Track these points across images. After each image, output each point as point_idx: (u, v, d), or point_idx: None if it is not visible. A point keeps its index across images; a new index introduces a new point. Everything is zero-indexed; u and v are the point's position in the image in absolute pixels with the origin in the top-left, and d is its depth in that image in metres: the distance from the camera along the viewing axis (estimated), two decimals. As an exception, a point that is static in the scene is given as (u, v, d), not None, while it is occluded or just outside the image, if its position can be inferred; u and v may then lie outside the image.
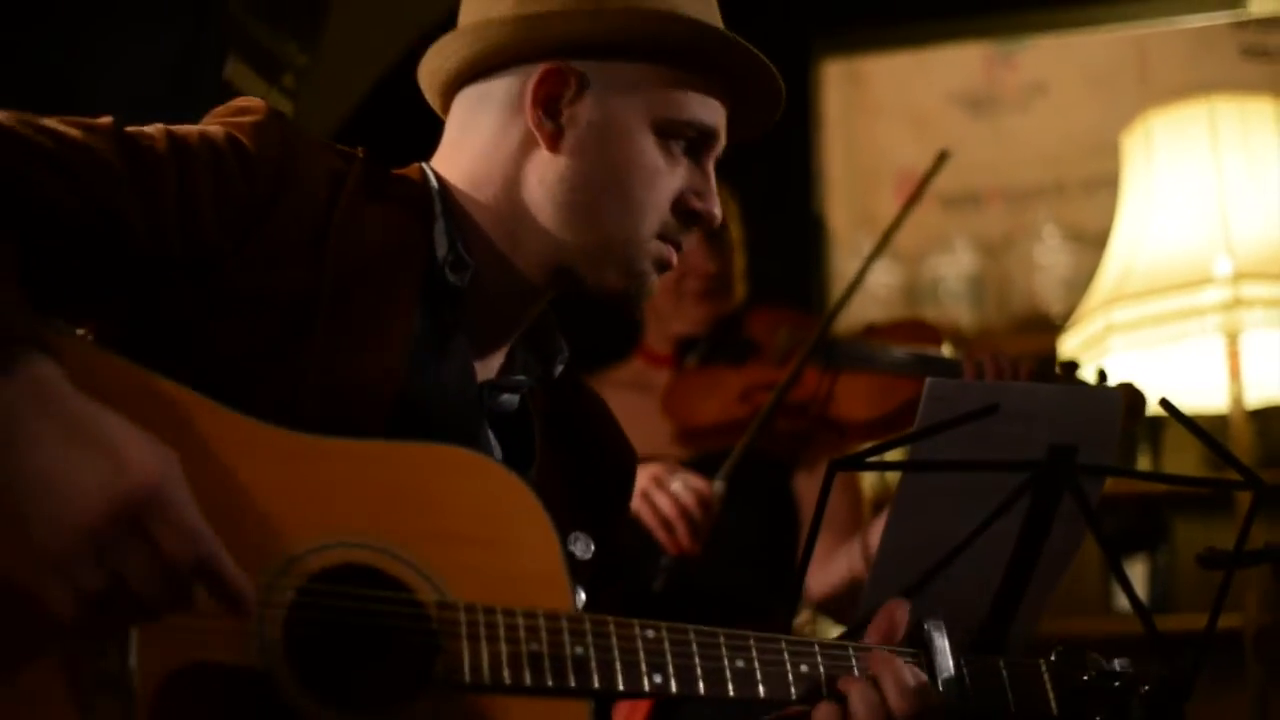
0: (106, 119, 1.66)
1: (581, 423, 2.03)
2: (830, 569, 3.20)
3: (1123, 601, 4.80)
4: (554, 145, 1.85)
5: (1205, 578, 2.04)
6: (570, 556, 1.85)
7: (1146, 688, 1.87)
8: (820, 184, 5.33)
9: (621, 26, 1.84)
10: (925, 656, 1.78)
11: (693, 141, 1.89)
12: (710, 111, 1.90)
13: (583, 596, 1.83)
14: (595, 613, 1.87)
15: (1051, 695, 1.85)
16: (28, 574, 1.33)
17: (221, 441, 1.50)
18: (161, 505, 1.36)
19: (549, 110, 1.85)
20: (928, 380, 2.04)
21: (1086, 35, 5.57)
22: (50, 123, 1.60)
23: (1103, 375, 2.96)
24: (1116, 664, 1.88)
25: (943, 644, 1.78)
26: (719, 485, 3.09)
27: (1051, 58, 5.79)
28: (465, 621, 1.52)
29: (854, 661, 1.74)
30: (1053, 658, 1.89)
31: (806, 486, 3.39)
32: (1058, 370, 3.07)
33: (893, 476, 3.68)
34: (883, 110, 5.89)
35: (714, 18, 1.92)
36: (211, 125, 1.74)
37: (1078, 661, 1.89)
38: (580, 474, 1.98)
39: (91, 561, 1.33)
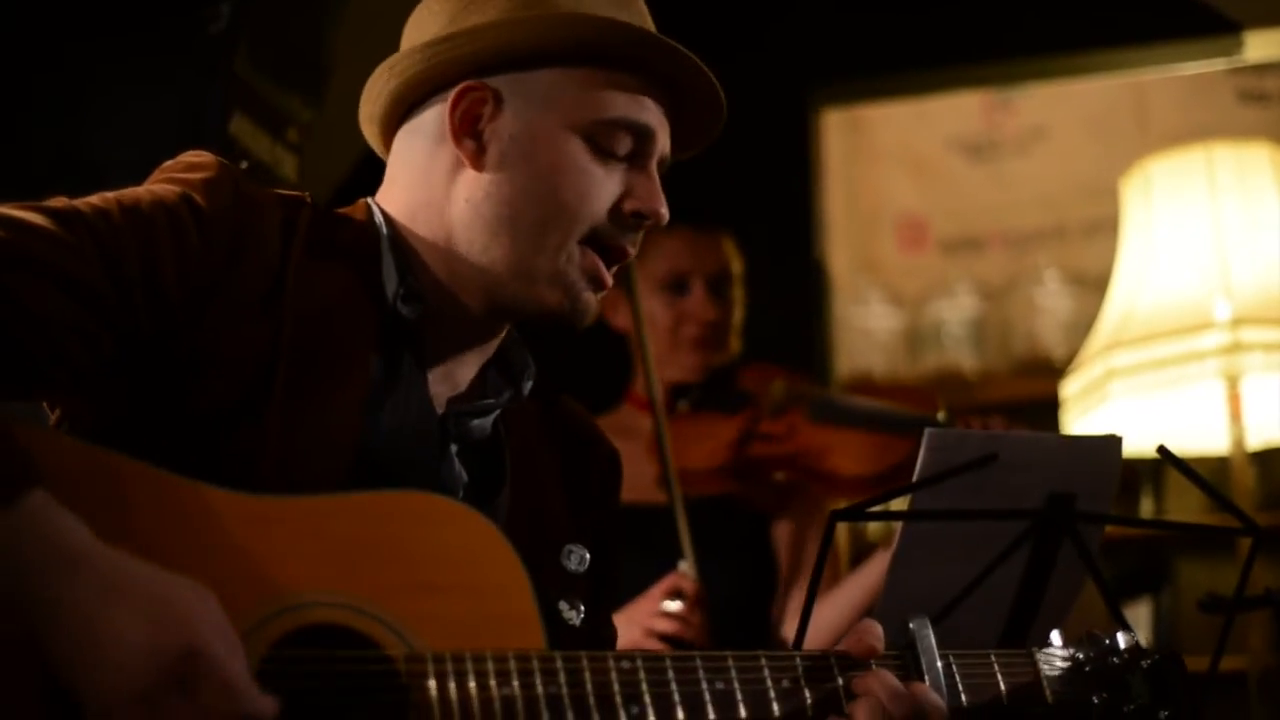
0: (58, 199, 1.64)
1: (563, 435, 2.00)
2: (813, 618, 3.21)
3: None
4: (478, 163, 1.83)
5: (1211, 621, 2.05)
6: (563, 571, 1.85)
7: (1147, 662, 1.82)
8: (821, 230, 5.35)
9: (529, 35, 1.82)
10: (912, 655, 1.73)
11: (628, 142, 1.85)
12: (640, 108, 1.86)
13: (582, 609, 1.83)
14: (598, 624, 1.86)
15: (1046, 683, 1.80)
16: None
17: (180, 513, 1.49)
18: (205, 660, 1.37)
19: (470, 129, 1.83)
20: (927, 430, 2.05)
21: (1085, 81, 5.60)
22: (3, 210, 1.57)
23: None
24: (1119, 638, 1.83)
25: (929, 641, 1.73)
26: (686, 566, 3.09)
27: (1050, 102, 5.82)
28: (434, 673, 1.50)
29: (836, 672, 1.69)
30: (1046, 644, 1.85)
31: (785, 536, 3.38)
32: None
33: (887, 525, 3.69)
34: (883, 156, 5.92)
35: (632, 16, 1.88)
36: (161, 185, 1.72)
37: (1072, 644, 1.84)
38: (568, 487, 1.96)
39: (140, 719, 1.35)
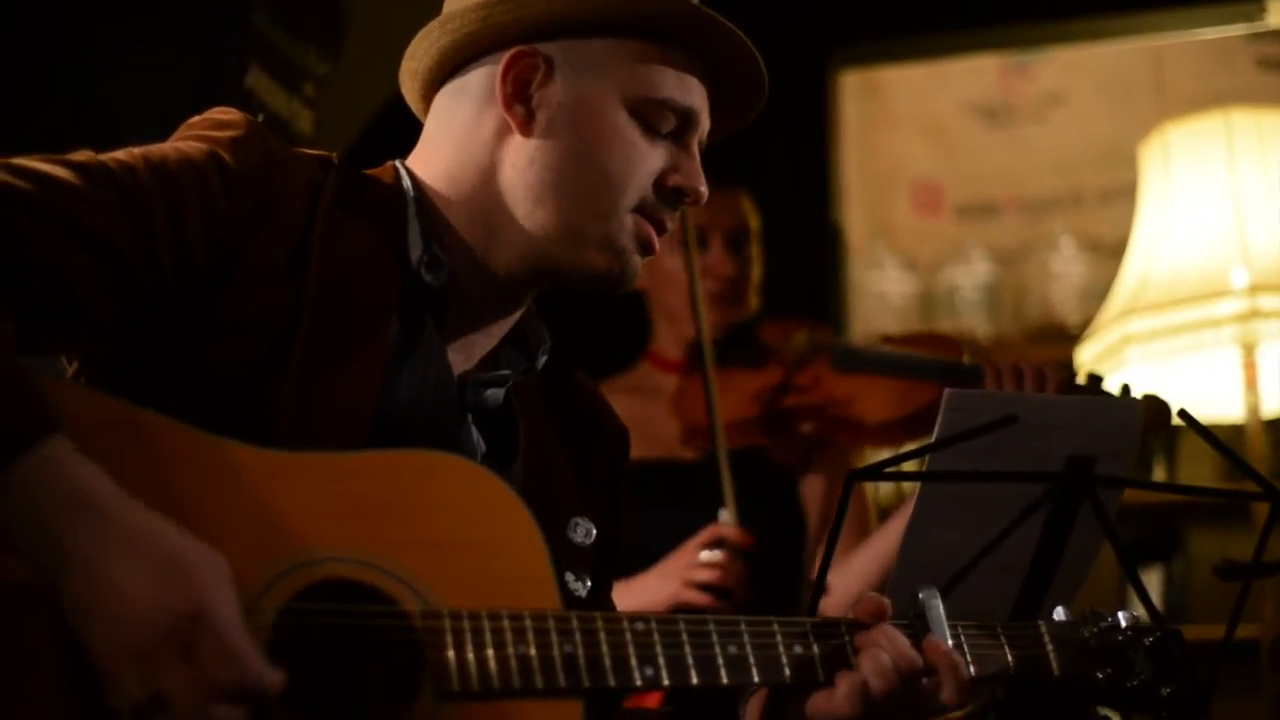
0: (84, 152, 1.63)
1: (573, 410, 2.00)
2: (843, 576, 3.20)
3: (1139, 612, 4.80)
4: (526, 129, 1.82)
5: (1220, 588, 2.04)
6: (570, 543, 1.85)
7: (1150, 640, 1.84)
8: (837, 194, 5.33)
9: (588, 5, 1.82)
10: (921, 624, 1.73)
11: (672, 121, 1.86)
12: (686, 91, 1.86)
13: (588, 583, 1.83)
14: (601, 598, 1.86)
15: (1053, 656, 1.81)
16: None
17: (200, 466, 1.48)
18: (210, 625, 1.35)
19: (520, 95, 1.83)
20: (946, 391, 2.04)
21: (1102, 46, 5.57)
22: (28, 163, 1.56)
23: (1126, 390, 2.96)
24: (1121, 617, 1.85)
25: (938, 611, 1.74)
26: (727, 516, 3.09)
27: (1067, 68, 5.80)
28: (451, 629, 1.50)
29: (847, 639, 1.70)
30: (1054, 618, 1.85)
31: (815, 491, 3.38)
32: (1082, 382, 3.07)
33: (909, 485, 3.68)
34: (899, 121, 5.90)
35: None
36: (189, 141, 1.71)
37: (1079, 620, 1.85)
38: (576, 461, 1.96)
39: (138, 677, 1.34)
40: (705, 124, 1.91)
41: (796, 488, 3.39)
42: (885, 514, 3.41)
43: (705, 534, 3.07)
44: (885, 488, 4.84)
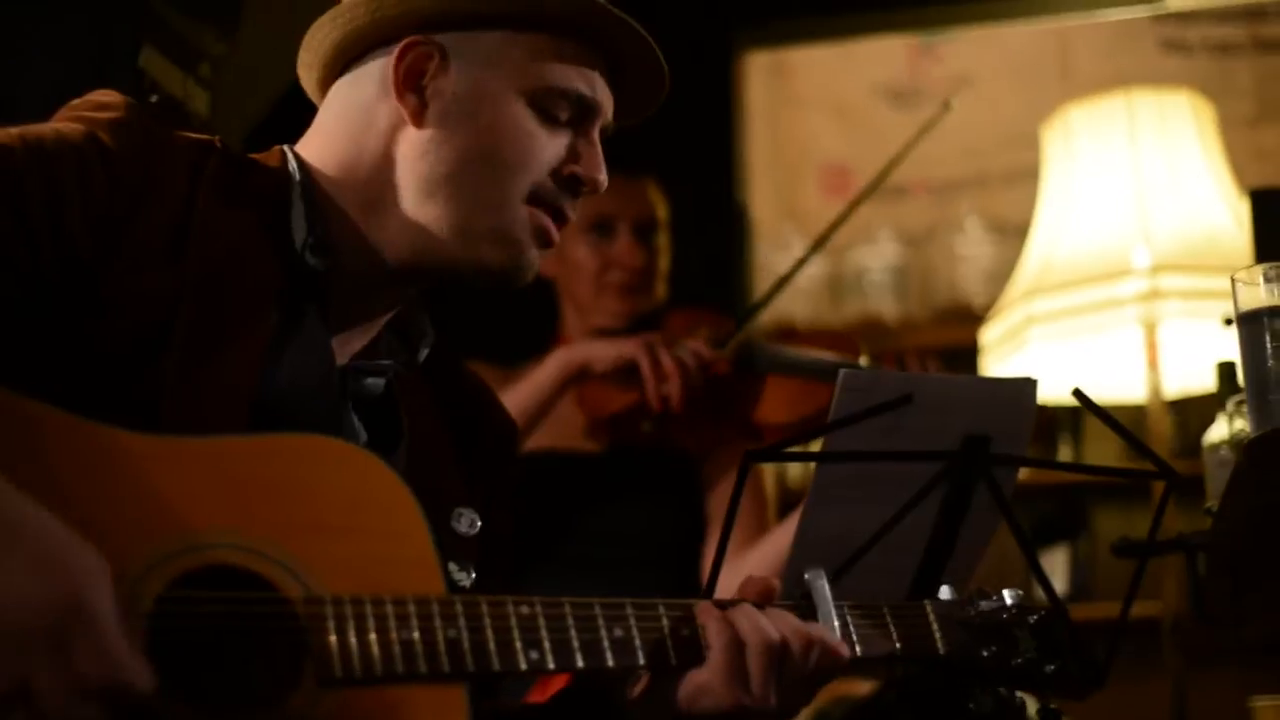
0: None
1: (459, 401, 1.99)
2: (740, 568, 3.20)
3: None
4: (420, 120, 1.81)
5: (1126, 567, 2.06)
6: (453, 534, 1.83)
7: (1035, 618, 1.86)
8: (743, 176, 5.33)
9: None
10: (808, 604, 1.74)
11: (571, 110, 1.85)
12: (584, 81, 1.85)
13: (473, 574, 1.81)
14: (487, 590, 1.85)
15: (938, 635, 1.82)
16: None
17: (79, 452, 1.45)
18: (86, 624, 1.31)
19: (413, 85, 1.81)
20: (842, 371, 2.04)
21: (1009, 27, 5.60)
22: None
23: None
24: (1006, 595, 1.86)
25: (824, 592, 1.74)
26: (723, 353, 3.16)
27: (974, 50, 5.82)
28: (333, 615, 1.48)
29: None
30: (940, 597, 1.87)
31: (717, 489, 3.38)
32: None
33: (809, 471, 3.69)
34: (807, 102, 5.90)
35: None
36: (68, 123, 1.68)
37: (964, 600, 1.86)
38: (461, 452, 1.95)
39: (4, 668, 1.29)
40: (607, 112, 1.90)
41: (698, 477, 3.39)
42: (796, 497, 3.43)
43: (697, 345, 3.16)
44: (795, 473, 4.86)
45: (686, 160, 4.67)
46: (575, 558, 3.26)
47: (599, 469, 3.30)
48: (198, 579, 1.45)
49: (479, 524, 1.85)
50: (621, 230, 3.48)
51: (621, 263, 3.47)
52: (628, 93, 1.93)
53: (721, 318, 3.46)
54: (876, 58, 5.88)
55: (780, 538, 3.16)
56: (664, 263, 3.55)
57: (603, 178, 1.88)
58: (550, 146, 1.84)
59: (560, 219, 1.88)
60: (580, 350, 3.21)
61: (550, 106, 1.83)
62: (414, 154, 1.81)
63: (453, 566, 1.78)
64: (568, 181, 1.86)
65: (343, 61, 1.88)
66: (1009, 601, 1.86)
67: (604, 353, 3.19)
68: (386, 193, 1.82)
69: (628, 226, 3.48)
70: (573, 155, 1.86)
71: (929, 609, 1.84)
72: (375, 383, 1.86)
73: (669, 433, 3.30)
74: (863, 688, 4.00)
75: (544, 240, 1.86)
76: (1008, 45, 5.77)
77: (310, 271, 1.78)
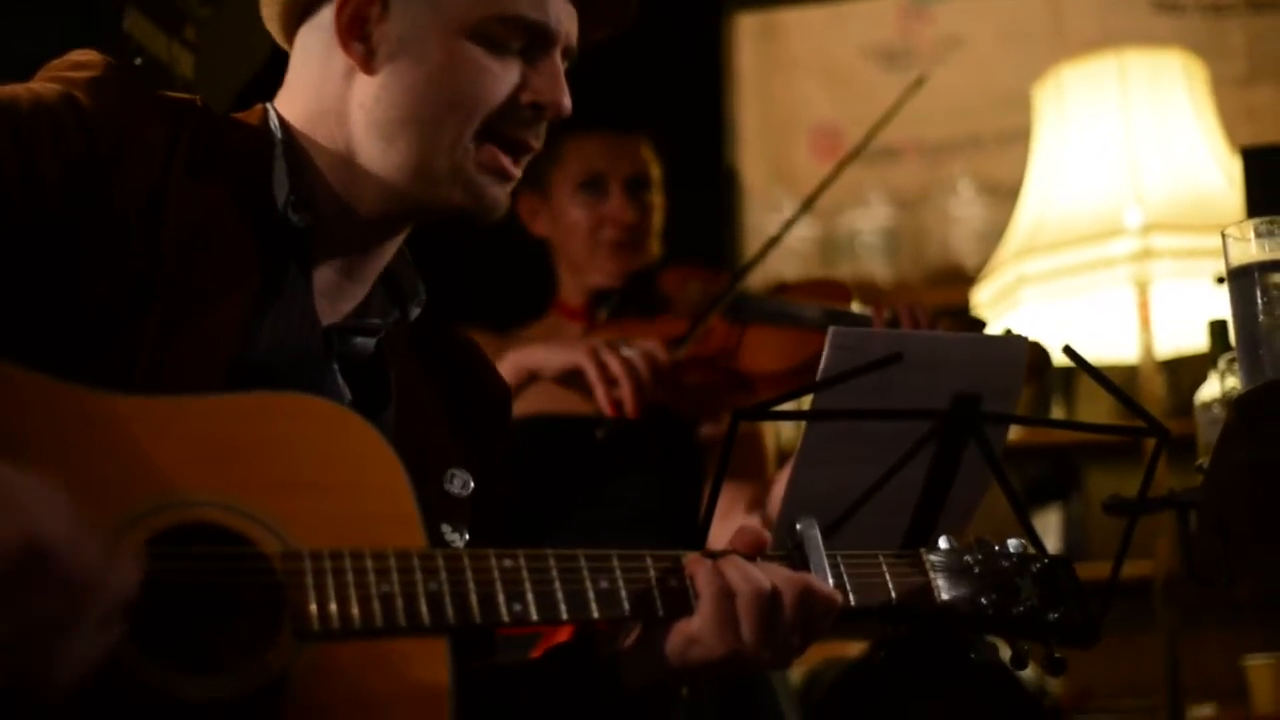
0: None
1: (451, 363, 1.98)
2: (734, 524, 3.20)
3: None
4: (369, 67, 1.79)
5: (1119, 528, 2.04)
6: (446, 495, 1.82)
7: (1038, 566, 1.84)
8: (734, 138, 5.31)
9: None
10: (800, 554, 1.72)
11: (523, 37, 1.81)
12: (531, 4, 1.81)
13: (466, 535, 1.80)
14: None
15: (936, 583, 1.80)
16: None
17: (55, 412, 1.43)
18: (47, 557, 1.24)
19: (358, 32, 1.79)
20: (831, 329, 2.03)
21: (1000, -13, 5.59)
22: None
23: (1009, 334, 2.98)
24: (1010, 544, 1.84)
25: (816, 541, 1.73)
26: (679, 354, 3.10)
27: (966, 11, 5.80)
28: (311, 570, 1.46)
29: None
30: (937, 546, 1.85)
31: (713, 442, 3.38)
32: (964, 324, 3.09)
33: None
34: (797, 64, 5.88)
35: None
36: (45, 83, 1.66)
37: (964, 548, 1.84)
38: (453, 414, 1.93)
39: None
40: (568, 33, 1.86)
41: (695, 438, 3.39)
42: (787, 456, 3.42)
43: (648, 345, 3.10)
44: (787, 432, 4.85)
45: (677, 122, 4.64)
46: (579, 523, 3.25)
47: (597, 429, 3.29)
48: (177, 536, 1.43)
49: (472, 485, 1.84)
50: (614, 188, 3.47)
51: (615, 219, 3.46)
52: (598, 3, 1.90)
53: (714, 274, 3.45)
54: (867, 19, 5.85)
55: (776, 490, 3.16)
56: (657, 220, 3.54)
57: (565, 100, 1.84)
58: (503, 77, 1.80)
59: (521, 151, 1.85)
60: (526, 355, 3.19)
61: (498, 36, 1.79)
62: (369, 101, 1.79)
63: (446, 528, 1.78)
64: (527, 110, 1.83)
65: (298, 11, 1.86)
66: (1012, 550, 1.84)
67: (551, 359, 3.17)
68: (351, 142, 1.80)
69: (620, 184, 3.47)
70: (526, 83, 1.82)
71: (926, 556, 1.82)
72: (364, 343, 1.84)
73: (662, 398, 3.29)
74: (854, 649, 4.02)
75: (502, 176, 1.83)
76: (999, 5, 5.75)
77: (293, 229, 1.76)
